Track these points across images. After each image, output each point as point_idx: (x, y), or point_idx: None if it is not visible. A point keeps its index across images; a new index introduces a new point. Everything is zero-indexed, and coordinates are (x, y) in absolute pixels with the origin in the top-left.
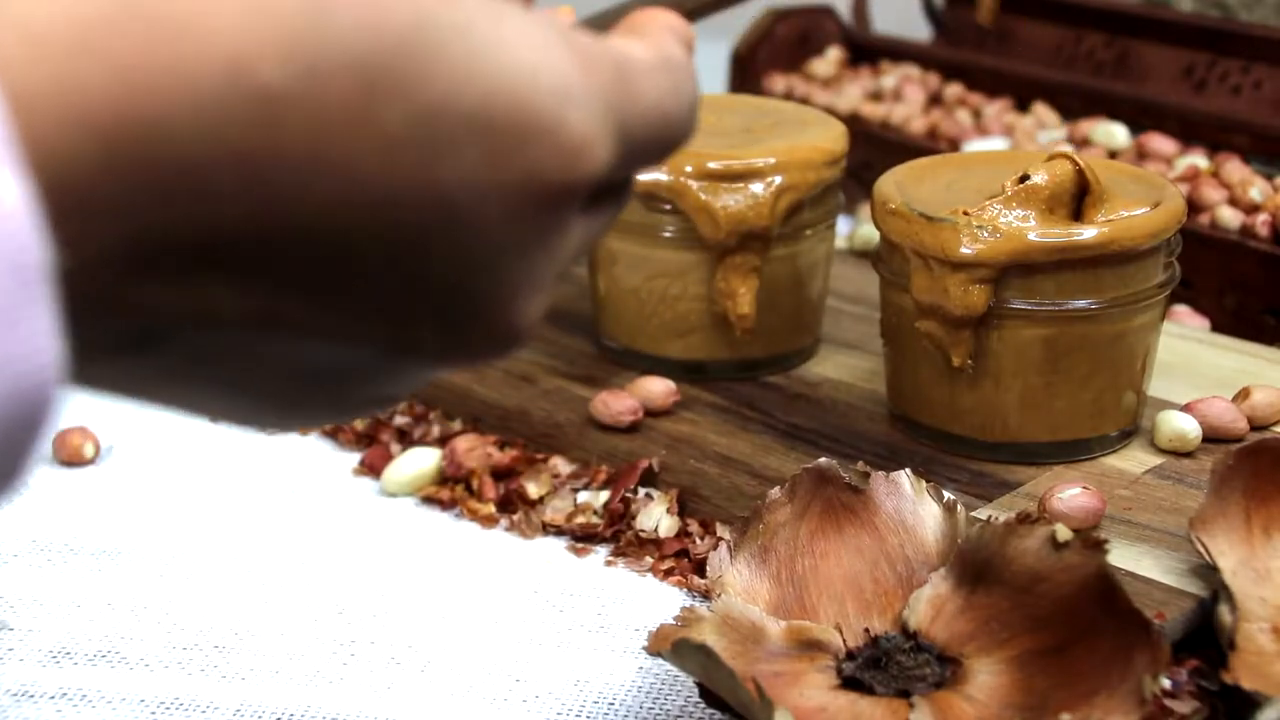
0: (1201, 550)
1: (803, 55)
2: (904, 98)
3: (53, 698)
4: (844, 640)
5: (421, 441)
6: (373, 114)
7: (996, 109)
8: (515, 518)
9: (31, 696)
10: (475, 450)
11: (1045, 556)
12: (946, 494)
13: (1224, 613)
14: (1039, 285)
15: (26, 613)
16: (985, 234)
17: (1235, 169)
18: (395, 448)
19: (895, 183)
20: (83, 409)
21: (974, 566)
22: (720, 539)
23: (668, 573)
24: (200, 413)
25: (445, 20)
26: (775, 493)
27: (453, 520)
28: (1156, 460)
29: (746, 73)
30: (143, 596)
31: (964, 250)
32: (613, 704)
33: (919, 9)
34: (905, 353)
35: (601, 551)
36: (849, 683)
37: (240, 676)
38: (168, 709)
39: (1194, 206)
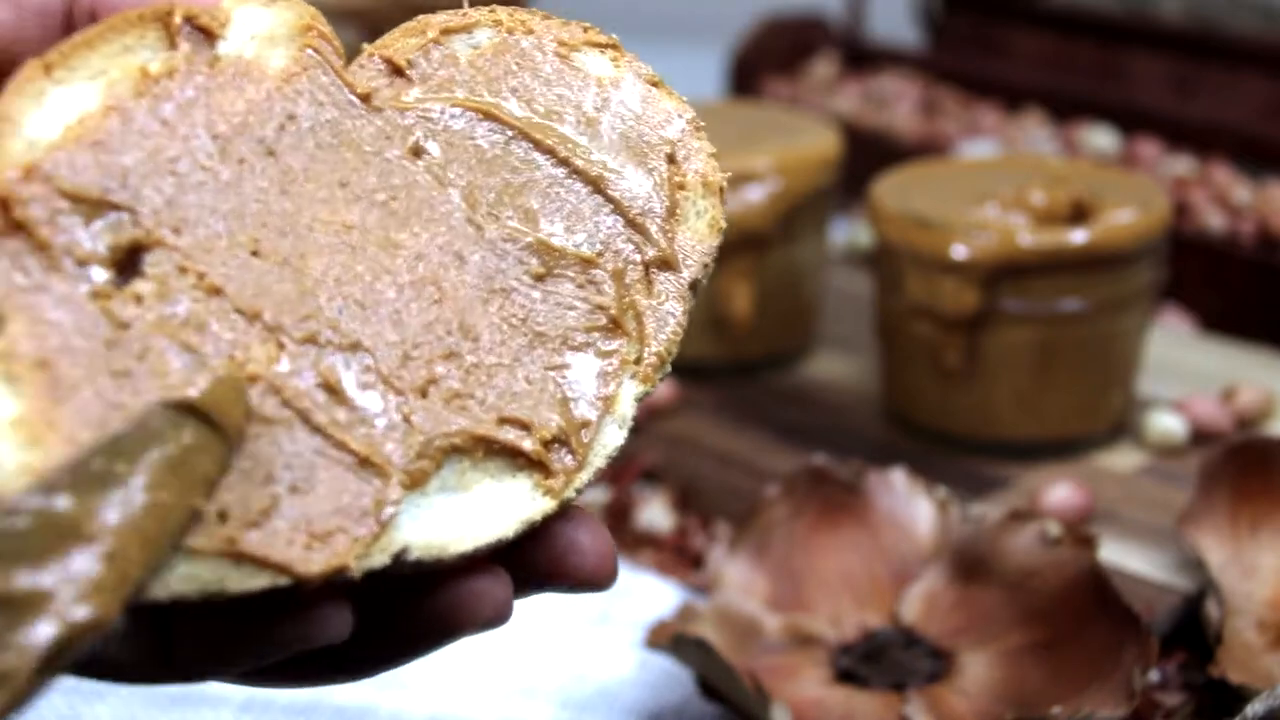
0: (1189, 546)
1: (799, 62)
2: (898, 103)
3: (65, 692)
4: (839, 634)
5: None
6: None
7: (988, 113)
8: None
9: None
10: None
11: (1036, 552)
12: (939, 491)
13: (1211, 608)
14: (1030, 287)
15: None
16: (977, 237)
17: (1222, 173)
18: None
19: (890, 186)
20: None
21: (966, 562)
22: (718, 536)
23: (667, 568)
24: None
25: None
26: (772, 490)
27: None
28: (1145, 458)
29: (744, 79)
30: None
31: (957, 252)
32: (614, 697)
33: (913, 16)
34: (899, 353)
35: None
36: (844, 676)
37: None
38: (176, 702)
39: (1181, 210)
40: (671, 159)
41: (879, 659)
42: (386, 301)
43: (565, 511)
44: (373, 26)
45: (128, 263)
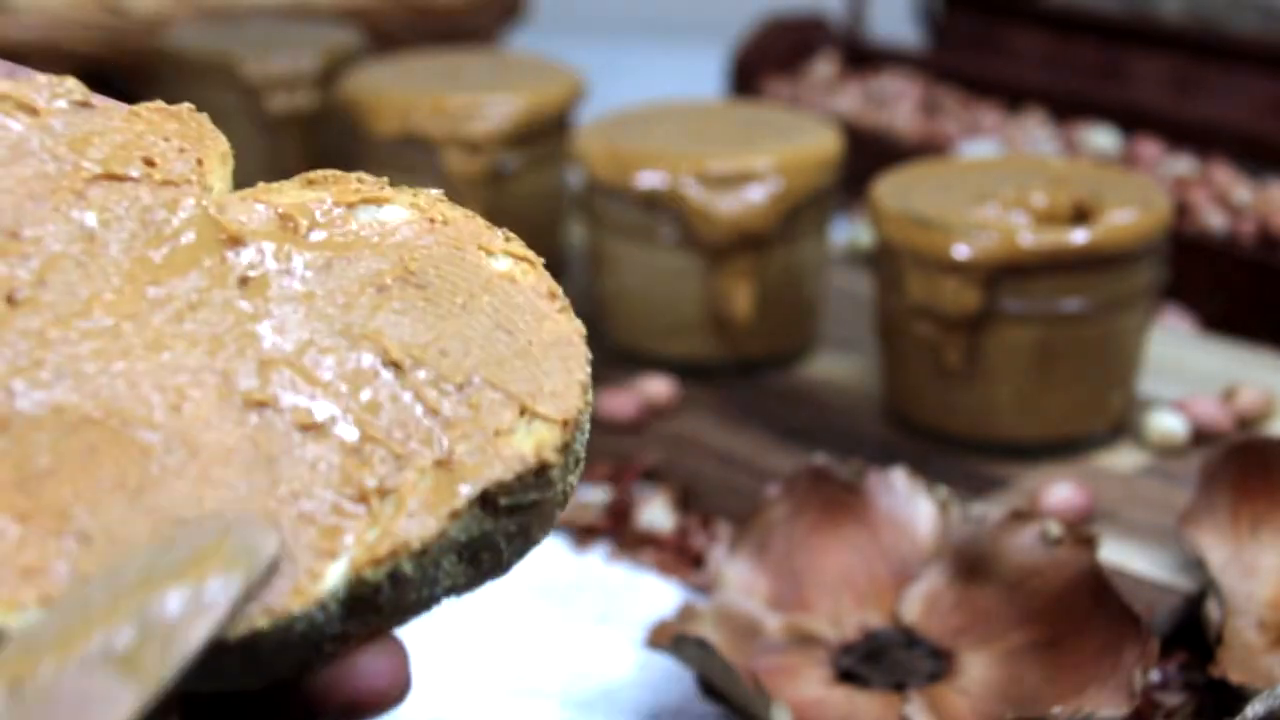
0: (1190, 546)
1: (799, 62)
2: (898, 102)
3: None
4: (840, 634)
5: None
6: None
7: (989, 113)
8: None
9: None
10: None
11: (1037, 552)
12: (940, 491)
13: (1212, 608)
14: (1031, 287)
15: None
16: (978, 237)
17: (1222, 173)
18: None
19: (890, 186)
20: None
21: (967, 562)
22: (719, 536)
23: (668, 568)
24: None
25: None
26: (773, 490)
27: None
28: (1146, 458)
29: (744, 79)
30: None
31: (957, 252)
32: (614, 696)
33: (914, 15)
34: (900, 353)
35: (603, 547)
36: (845, 676)
37: None
38: None
39: (1182, 210)
40: (532, 385)
41: (879, 659)
42: (116, 387)
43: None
44: (373, 26)
45: None
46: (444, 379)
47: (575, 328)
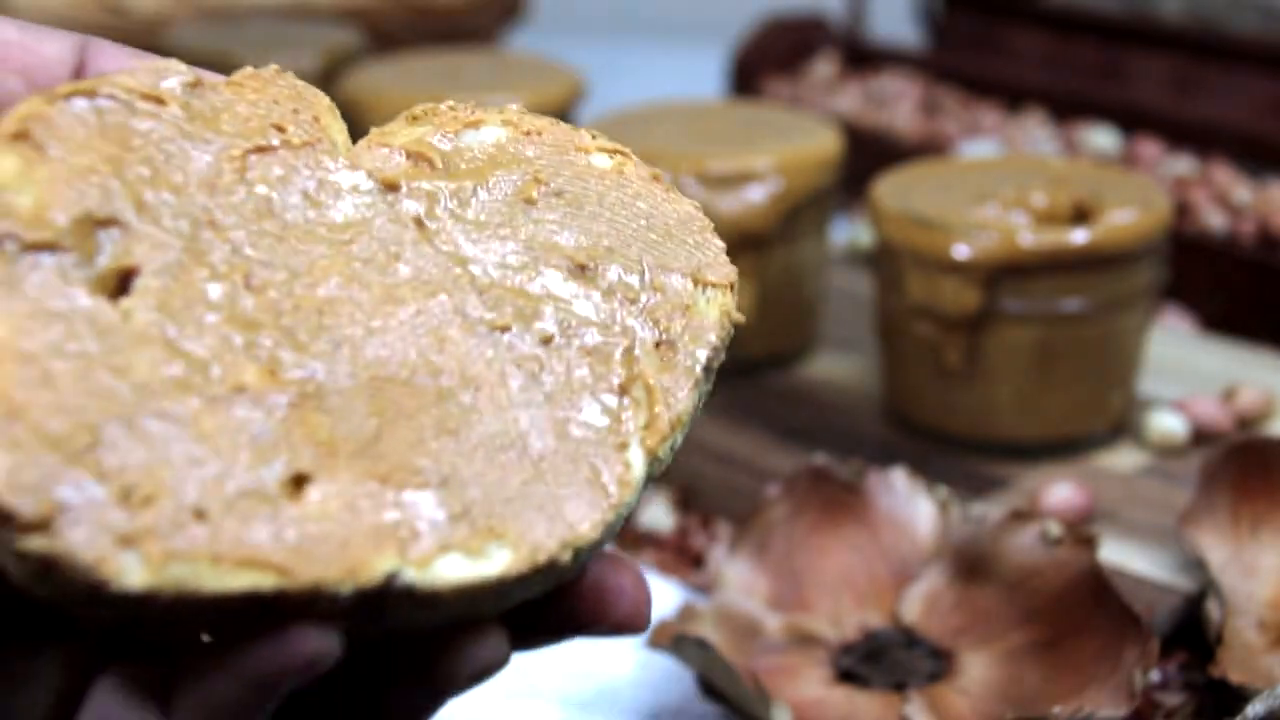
0: (1190, 546)
1: (799, 62)
2: (898, 102)
3: None
4: (840, 634)
5: None
6: None
7: (989, 113)
8: None
9: None
10: None
11: (1037, 552)
12: (940, 491)
13: (1212, 608)
14: (1031, 287)
15: None
16: (978, 237)
17: (1222, 173)
18: None
19: (890, 186)
20: None
21: (967, 562)
22: (719, 536)
23: (668, 568)
24: None
25: None
26: (773, 490)
27: None
28: (1146, 458)
29: (744, 79)
30: None
31: (957, 252)
32: (614, 696)
33: (914, 15)
34: (900, 353)
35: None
36: (845, 676)
37: None
38: None
39: (1182, 210)
40: (691, 260)
41: (879, 659)
42: (385, 344)
43: (604, 557)
44: (373, 26)
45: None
46: (626, 270)
47: (691, 203)
